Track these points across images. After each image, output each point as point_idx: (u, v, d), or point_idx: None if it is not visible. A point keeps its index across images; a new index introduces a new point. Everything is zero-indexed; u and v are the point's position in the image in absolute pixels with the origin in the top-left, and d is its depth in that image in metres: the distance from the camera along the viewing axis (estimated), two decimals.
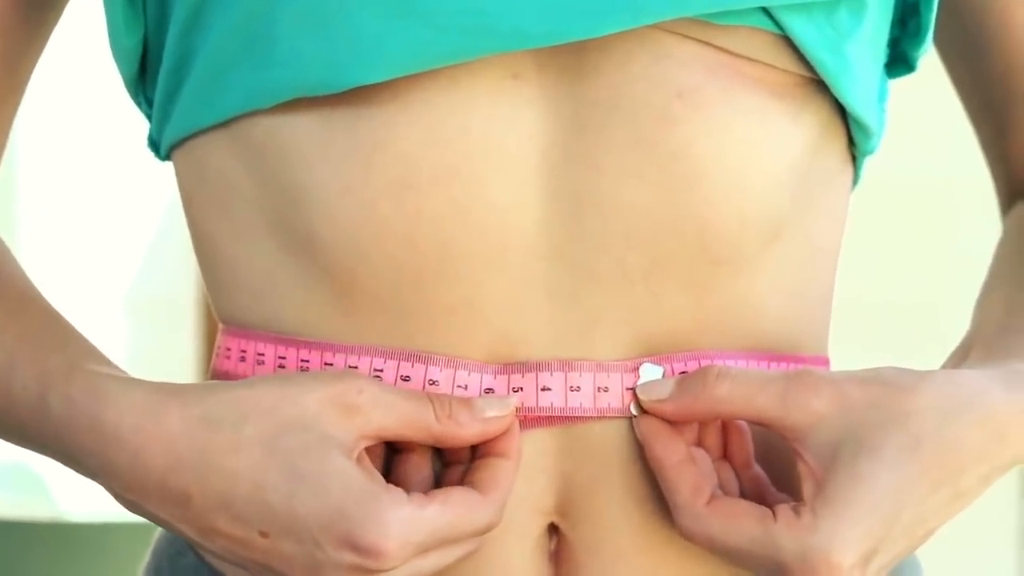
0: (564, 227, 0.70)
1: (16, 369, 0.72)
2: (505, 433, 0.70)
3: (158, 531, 0.85)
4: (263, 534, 0.67)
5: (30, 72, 0.83)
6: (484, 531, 0.69)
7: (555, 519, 0.73)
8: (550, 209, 0.70)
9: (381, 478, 0.68)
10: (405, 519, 0.66)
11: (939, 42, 0.87)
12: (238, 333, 0.75)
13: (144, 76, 0.78)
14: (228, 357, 0.75)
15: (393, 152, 0.69)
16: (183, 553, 0.81)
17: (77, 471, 0.72)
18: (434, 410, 0.69)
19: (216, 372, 0.77)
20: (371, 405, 0.68)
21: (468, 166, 0.69)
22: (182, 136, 0.75)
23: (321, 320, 0.72)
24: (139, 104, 0.80)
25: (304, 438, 0.67)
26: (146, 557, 0.85)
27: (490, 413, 0.70)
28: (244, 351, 0.74)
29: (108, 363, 0.73)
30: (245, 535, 0.68)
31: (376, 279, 0.70)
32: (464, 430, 0.69)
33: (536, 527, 0.73)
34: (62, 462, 0.72)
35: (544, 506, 0.73)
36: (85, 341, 0.75)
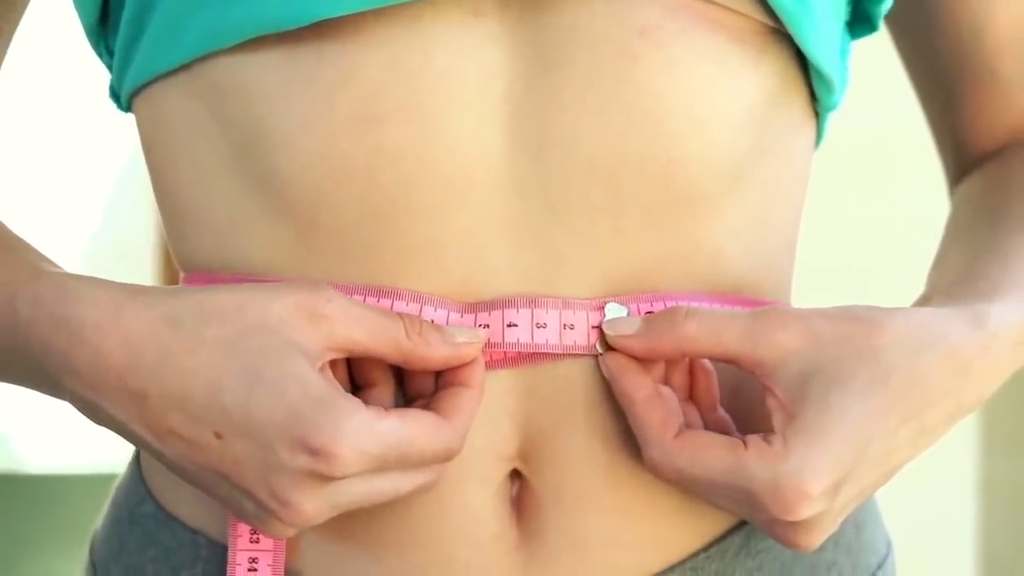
0: (527, 163, 0.70)
1: None
2: (469, 364, 0.70)
3: (116, 482, 0.85)
4: (218, 435, 0.67)
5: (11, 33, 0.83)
6: (444, 456, 0.69)
7: (518, 464, 0.73)
8: (513, 145, 0.70)
9: (341, 387, 0.67)
10: (361, 426, 0.65)
11: (890, 17, 0.88)
12: (201, 277, 0.75)
13: (105, 25, 0.78)
14: None
15: (354, 87, 0.69)
16: (142, 501, 0.81)
17: (42, 384, 0.72)
18: (404, 327, 0.68)
19: None
20: (339, 315, 0.67)
21: (429, 101, 0.69)
22: (143, 82, 0.75)
23: (285, 259, 0.72)
24: (100, 54, 0.79)
25: (266, 341, 0.66)
26: (103, 508, 0.85)
27: (460, 339, 0.69)
28: None
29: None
30: (199, 436, 0.67)
31: (339, 216, 0.70)
32: (433, 350, 0.69)
33: (499, 473, 0.73)
34: (28, 377, 0.72)
35: (507, 452, 0.73)
36: (52, 261, 0.74)
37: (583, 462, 0.73)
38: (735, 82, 0.72)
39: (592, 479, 0.73)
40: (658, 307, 0.72)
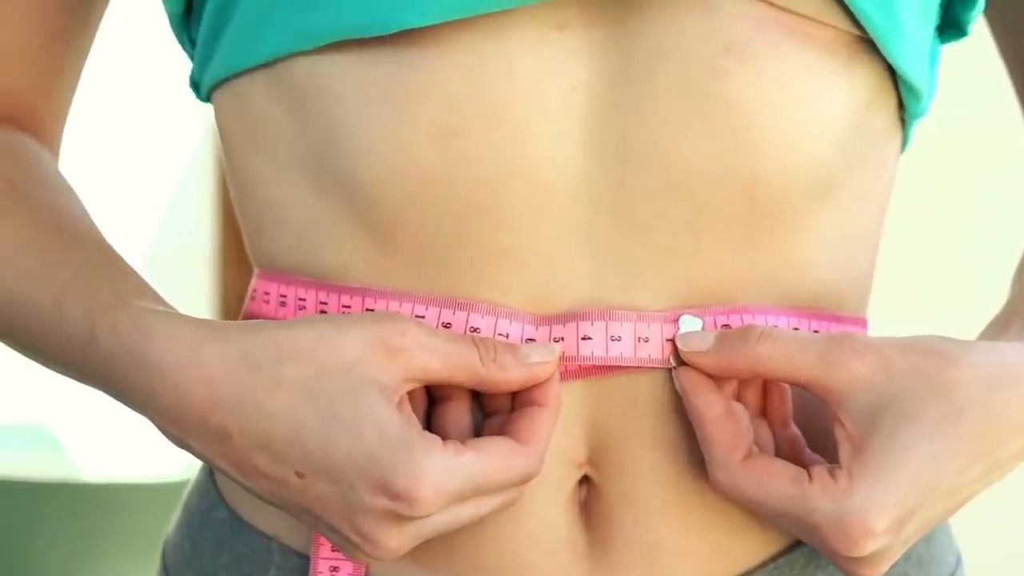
0: (607, 176, 0.70)
1: (67, 305, 0.72)
2: (545, 382, 0.70)
3: (189, 487, 0.85)
4: (300, 475, 0.67)
5: (88, 48, 0.85)
6: (523, 480, 0.69)
7: (588, 470, 0.73)
8: (593, 158, 0.70)
9: (418, 424, 0.68)
10: (439, 466, 0.66)
11: (988, 11, 0.86)
12: (277, 277, 0.75)
13: (189, 15, 0.78)
14: (267, 302, 0.75)
15: (435, 97, 0.69)
16: (214, 506, 0.81)
17: (127, 406, 0.72)
18: (479, 353, 0.69)
19: (251, 316, 0.77)
20: (415, 347, 0.67)
21: (511, 113, 0.68)
22: (224, 76, 0.75)
23: (363, 266, 0.72)
24: (182, 43, 0.80)
25: (342, 381, 0.66)
26: (176, 512, 0.86)
27: (535, 359, 0.69)
28: (284, 296, 0.74)
29: (158, 299, 0.73)
30: (283, 475, 0.68)
31: (418, 225, 0.70)
32: (509, 374, 0.69)
33: (570, 480, 0.73)
34: (112, 396, 0.73)
35: (578, 458, 0.73)
36: (137, 277, 0.75)
37: (651, 472, 0.73)
38: (825, 95, 0.71)
39: (660, 490, 0.73)
40: (734, 320, 0.72)
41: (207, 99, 0.79)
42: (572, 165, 0.69)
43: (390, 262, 0.71)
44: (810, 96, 0.71)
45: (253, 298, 0.77)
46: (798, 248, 0.73)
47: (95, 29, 0.85)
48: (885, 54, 0.72)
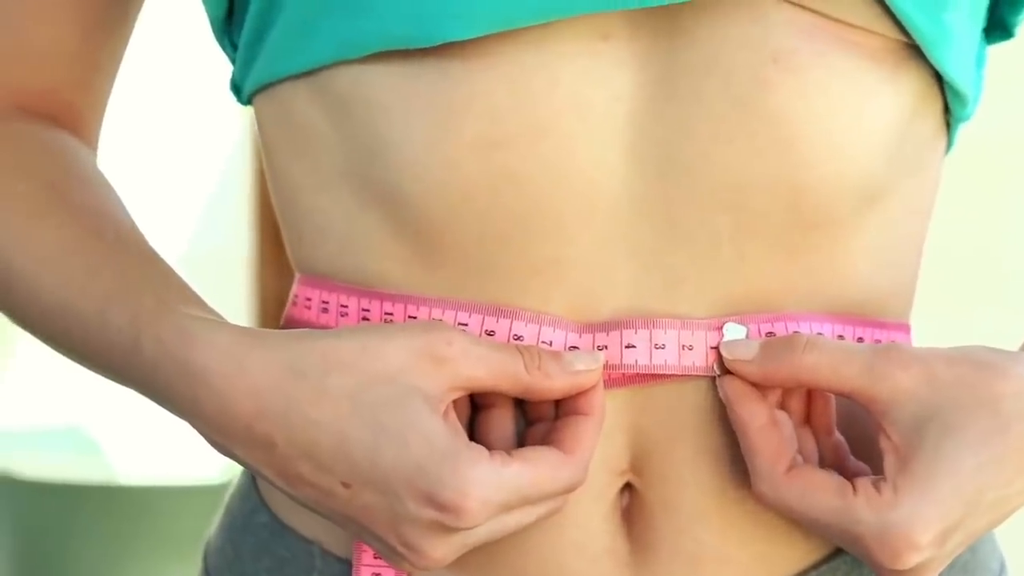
0: (650, 187, 0.70)
1: (111, 312, 0.72)
2: (589, 390, 0.70)
3: (231, 490, 0.86)
4: (346, 485, 0.67)
5: (126, 40, 0.85)
6: (568, 490, 0.69)
7: (630, 478, 0.73)
8: (635, 169, 0.69)
9: (464, 434, 0.67)
10: (486, 477, 0.65)
11: None
12: (319, 283, 0.75)
13: (231, 18, 0.78)
14: (308, 307, 0.75)
15: (479, 108, 0.68)
16: (256, 510, 0.81)
17: (171, 412, 0.72)
18: (524, 361, 0.68)
19: (292, 321, 0.77)
20: (461, 356, 0.67)
21: (555, 125, 0.68)
22: (266, 81, 0.75)
23: (405, 274, 0.72)
24: (223, 47, 0.80)
25: (387, 391, 0.66)
26: (218, 515, 0.86)
27: (579, 366, 0.69)
28: (326, 302, 0.74)
29: (201, 304, 0.73)
30: (328, 485, 0.67)
31: (461, 235, 0.70)
32: (553, 382, 0.69)
33: (613, 488, 0.73)
34: (156, 402, 0.73)
35: (621, 466, 0.73)
36: (178, 279, 0.74)
37: (693, 480, 0.72)
38: (871, 103, 0.71)
39: (702, 498, 0.73)
40: (779, 328, 0.71)
41: (248, 103, 0.79)
42: (615, 175, 0.69)
43: (433, 271, 0.71)
44: (857, 105, 0.70)
45: (295, 303, 0.77)
46: (844, 256, 0.72)
47: (134, 19, 0.84)
48: (932, 61, 0.72)
